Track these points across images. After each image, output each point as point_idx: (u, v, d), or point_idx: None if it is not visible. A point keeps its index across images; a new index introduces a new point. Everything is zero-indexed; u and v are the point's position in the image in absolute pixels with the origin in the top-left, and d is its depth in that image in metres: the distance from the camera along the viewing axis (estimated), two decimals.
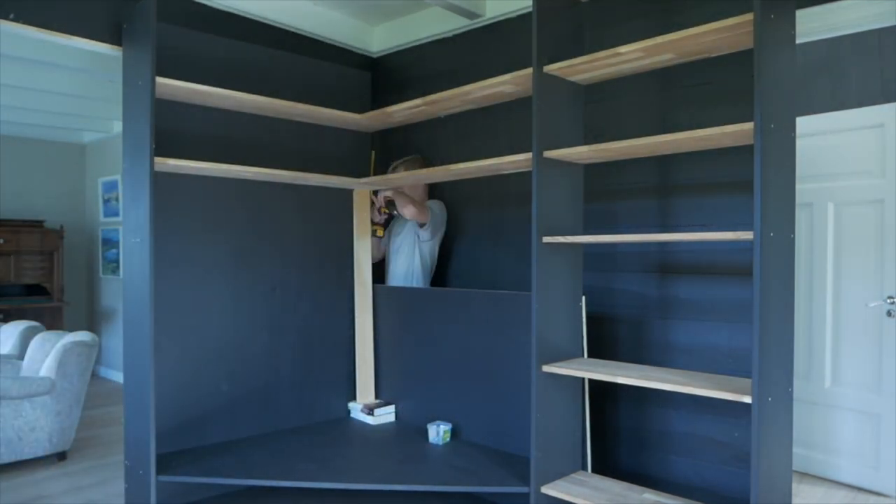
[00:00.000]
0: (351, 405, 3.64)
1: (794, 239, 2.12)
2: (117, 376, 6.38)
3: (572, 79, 2.68)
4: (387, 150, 3.94)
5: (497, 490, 2.63)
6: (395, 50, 3.97)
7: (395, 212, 3.53)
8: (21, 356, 4.34)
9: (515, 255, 3.30)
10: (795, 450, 3.40)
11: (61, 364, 3.75)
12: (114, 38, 2.91)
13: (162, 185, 2.87)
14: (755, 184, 1.94)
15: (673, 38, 2.23)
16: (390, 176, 3.43)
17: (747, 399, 1.97)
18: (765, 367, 1.97)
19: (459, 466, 2.82)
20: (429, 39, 3.78)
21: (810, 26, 2.50)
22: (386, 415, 3.52)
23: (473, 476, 2.70)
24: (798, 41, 2.30)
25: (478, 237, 3.59)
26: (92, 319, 7.03)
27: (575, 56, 2.55)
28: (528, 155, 2.64)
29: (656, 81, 2.87)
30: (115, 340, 6.52)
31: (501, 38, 3.47)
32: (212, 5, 3.30)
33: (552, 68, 2.55)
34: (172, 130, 2.98)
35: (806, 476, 3.63)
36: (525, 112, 2.66)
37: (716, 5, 2.59)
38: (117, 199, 6.46)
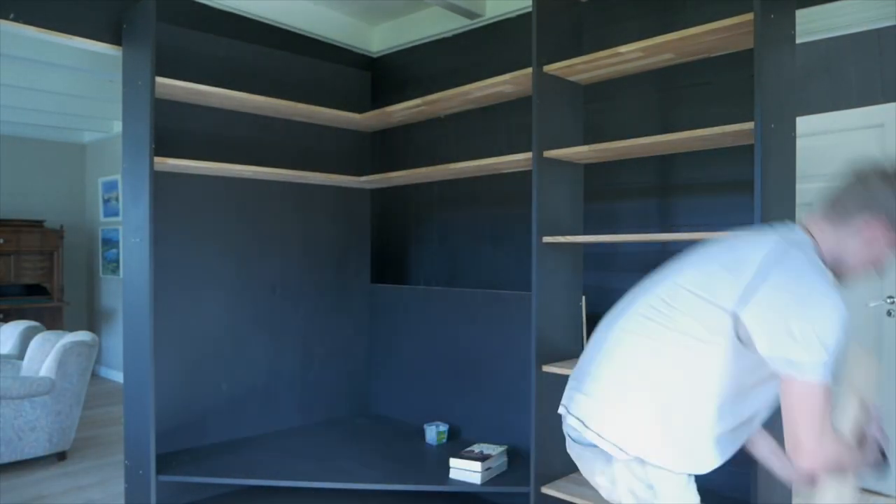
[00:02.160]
0: (353, 407, 3.64)
1: None
2: (117, 376, 6.38)
3: (572, 79, 2.68)
4: (387, 150, 3.94)
5: (497, 490, 2.63)
6: (394, 50, 3.96)
7: None
8: (21, 356, 4.33)
9: (515, 255, 3.29)
10: None
11: (61, 364, 3.75)
12: (114, 38, 2.91)
13: (162, 185, 2.87)
14: (755, 184, 1.94)
15: (673, 38, 2.23)
16: (390, 174, 3.43)
17: None
18: None
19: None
20: (429, 39, 3.78)
21: (810, 26, 2.50)
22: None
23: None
24: (798, 41, 2.30)
25: (478, 237, 3.59)
26: (92, 319, 7.02)
27: (575, 56, 2.55)
28: (528, 155, 2.64)
29: (656, 81, 2.86)
30: (115, 340, 6.51)
31: (501, 38, 3.46)
32: (212, 5, 3.30)
33: (552, 68, 2.55)
34: (172, 130, 2.98)
35: None
36: (525, 112, 2.66)
37: (716, 5, 2.59)
38: (117, 199, 6.45)
